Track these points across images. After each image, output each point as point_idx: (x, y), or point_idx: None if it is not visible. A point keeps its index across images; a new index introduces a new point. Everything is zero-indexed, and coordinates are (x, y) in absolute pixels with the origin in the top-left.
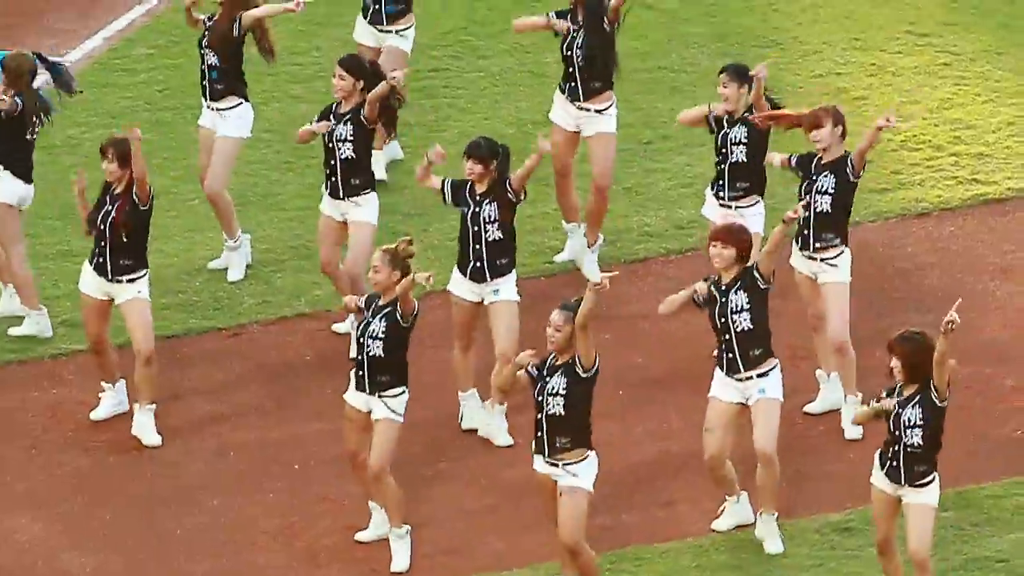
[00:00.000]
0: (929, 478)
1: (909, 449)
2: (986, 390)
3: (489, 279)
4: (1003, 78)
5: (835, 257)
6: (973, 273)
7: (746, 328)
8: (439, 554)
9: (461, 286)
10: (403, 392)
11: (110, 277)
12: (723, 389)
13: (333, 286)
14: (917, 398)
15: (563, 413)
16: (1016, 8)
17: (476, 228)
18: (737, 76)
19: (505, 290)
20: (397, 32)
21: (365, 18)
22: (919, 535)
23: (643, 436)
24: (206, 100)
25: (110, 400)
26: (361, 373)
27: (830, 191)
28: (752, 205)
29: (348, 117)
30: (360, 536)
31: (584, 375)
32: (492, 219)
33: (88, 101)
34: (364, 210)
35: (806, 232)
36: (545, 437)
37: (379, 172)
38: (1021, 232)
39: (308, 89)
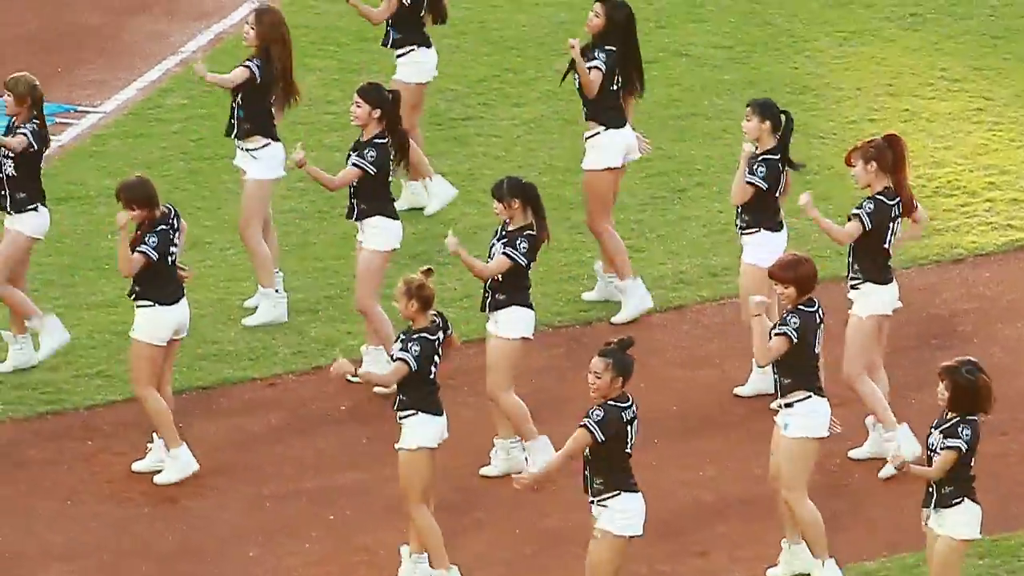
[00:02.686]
0: (956, 500)
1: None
2: (1021, 436)
3: (488, 310)
4: None
5: (859, 285)
6: (1009, 319)
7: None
8: None
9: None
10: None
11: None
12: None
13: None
14: (947, 426)
15: (591, 457)
16: None
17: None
18: (760, 110)
19: (503, 325)
20: (398, 56)
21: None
22: (936, 568)
23: (677, 485)
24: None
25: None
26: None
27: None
28: (752, 234)
29: (364, 149)
30: None
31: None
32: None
33: (122, 151)
34: (371, 237)
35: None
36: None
37: (415, 201)
38: None
39: (343, 138)
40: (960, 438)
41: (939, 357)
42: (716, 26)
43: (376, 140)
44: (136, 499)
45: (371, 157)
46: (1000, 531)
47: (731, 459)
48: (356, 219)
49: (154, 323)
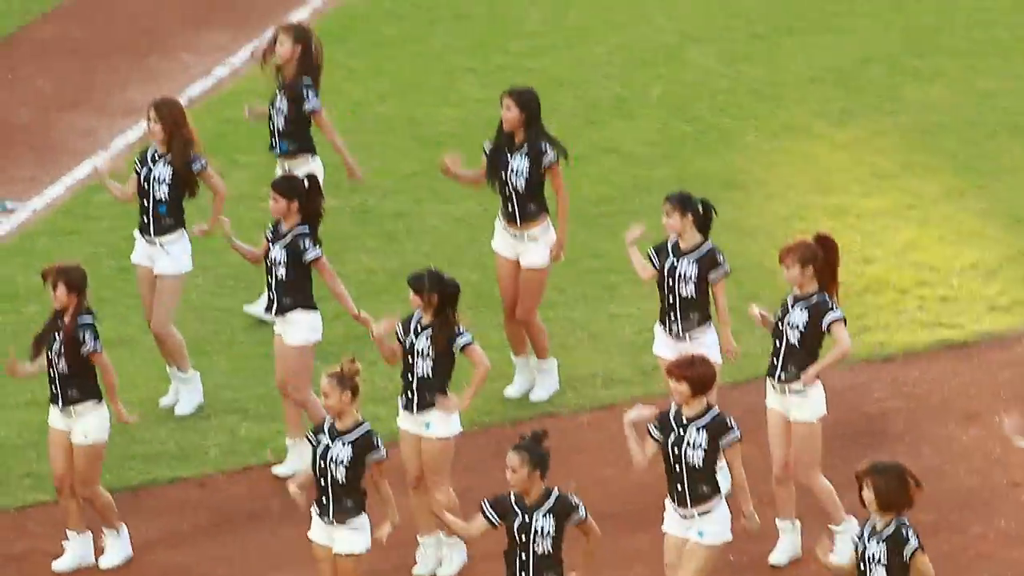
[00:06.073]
0: None
1: None
2: (952, 537)
3: (416, 412)
4: (965, 220)
5: (806, 389)
6: (939, 418)
7: (697, 465)
8: None
9: (405, 420)
10: (363, 516)
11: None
12: (673, 523)
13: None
14: (891, 534)
15: (550, 552)
16: (977, 149)
17: (411, 360)
18: (680, 205)
19: (437, 425)
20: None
21: None
22: None
23: None
24: (147, 235)
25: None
26: (325, 501)
27: (800, 327)
28: (706, 332)
29: (286, 242)
30: None
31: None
32: (425, 353)
33: (51, 249)
34: (292, 331)
35: (775, 361)
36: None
37: None
38: (986, 376)
39: None
40: (916, 543)
41: (869, 456)
42: (645, 122)
43: (299, 228)
44: None
45: (312, 242)
46: None
47: (662, 558)
48: (277, 313)
49: (103, 419)
